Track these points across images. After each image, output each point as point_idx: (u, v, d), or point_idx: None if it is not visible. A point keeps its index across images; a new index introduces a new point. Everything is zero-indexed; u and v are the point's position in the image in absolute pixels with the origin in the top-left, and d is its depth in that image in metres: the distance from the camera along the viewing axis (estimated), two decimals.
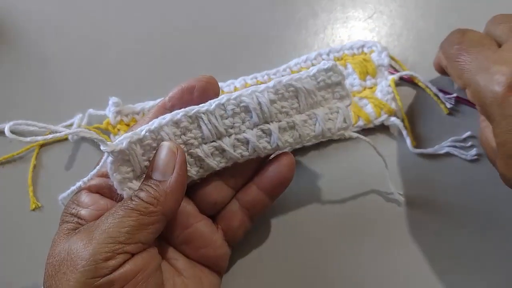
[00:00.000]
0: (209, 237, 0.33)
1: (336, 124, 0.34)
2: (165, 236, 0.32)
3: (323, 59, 0.43)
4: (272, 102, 0.32)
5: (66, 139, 0.42)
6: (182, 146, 0.31)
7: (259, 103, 0.31)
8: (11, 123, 0.29)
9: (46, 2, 0.50)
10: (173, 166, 0.29)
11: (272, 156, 0.34)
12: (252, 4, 0.49)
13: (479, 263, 0.36)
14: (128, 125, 0.41)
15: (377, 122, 0.41)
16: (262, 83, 0.42)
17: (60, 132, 0.29)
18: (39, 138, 0.29)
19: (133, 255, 0.28)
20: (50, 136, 0.30)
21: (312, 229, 0.38)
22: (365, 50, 0.43)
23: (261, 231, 0.38)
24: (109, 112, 0.41)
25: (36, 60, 0.47)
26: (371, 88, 0.42)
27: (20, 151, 0.42)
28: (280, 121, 0.32)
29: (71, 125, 0.42)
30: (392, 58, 0.43)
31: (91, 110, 0.42)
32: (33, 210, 0.40)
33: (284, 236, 0.38)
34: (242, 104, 0.32)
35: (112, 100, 0.41)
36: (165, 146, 0.30)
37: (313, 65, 0.43)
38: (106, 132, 0.42)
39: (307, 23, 0.47)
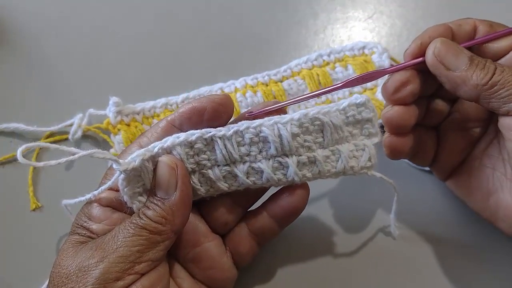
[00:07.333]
0: (218, 258, 0.32)
1: (359, 163, 0.32)
2: (173, 252, 0.32)
3: (324, 60, 0.43)
4: (295, 135, 0.30)
5: (66, 138, 0.42)
6: (194, 166, 0.30)
7: (280, 136, 0.29)
8: (24, 146, 0.28)
9: (46, 3, 0.50)
10: (175, 182, 0.29)
11: None
12: (253, 4, 0.49)
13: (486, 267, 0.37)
14: (128, 125, 0.41)
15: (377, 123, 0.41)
16: (262, 83, 0.43)
17: (76, 154, 0.28)
18: (53, 162, 0.29)
19: (142, 275, 0.28)
20: (54, 162, 0.29)
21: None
22: (366, 51, 0.43)
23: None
24: (110, 112, 0.41)
25: (36, 60, 0.47)
26: (371, 89, 0.42)
27: None
28: (300, 155, 0.30)
29: (71, 124, 0.42)
30: (392, 59, 0.43)
31: (91, 110, 0.42)
32: (33, 210, 0.40)
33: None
34: (261, 134, 0.30)
35: (113, 100, 0.41)
36: (164, 162, 0.29)
37: (313, 66, 0.43)
38: (106, 132, 0.42)
39: (307, 23, 0.47)
